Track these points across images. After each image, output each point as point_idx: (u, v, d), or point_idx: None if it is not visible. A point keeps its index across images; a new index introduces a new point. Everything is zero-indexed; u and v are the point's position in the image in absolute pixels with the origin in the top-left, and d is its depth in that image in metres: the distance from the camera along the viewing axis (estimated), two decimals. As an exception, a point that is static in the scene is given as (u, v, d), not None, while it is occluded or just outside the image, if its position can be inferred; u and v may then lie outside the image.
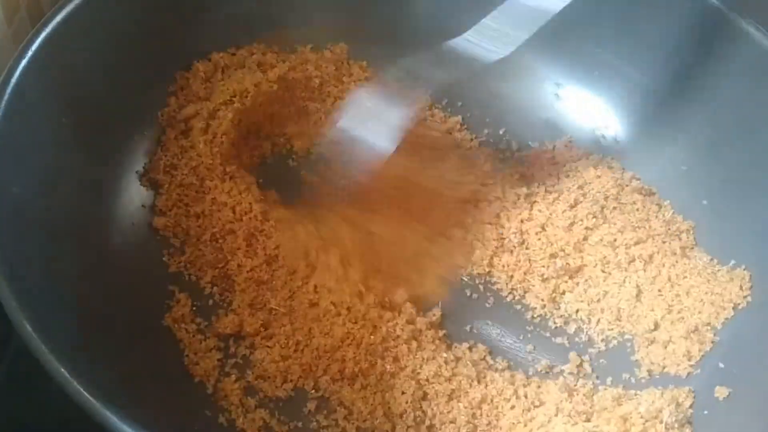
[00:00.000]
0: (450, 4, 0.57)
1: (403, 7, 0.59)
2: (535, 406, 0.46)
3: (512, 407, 0.46)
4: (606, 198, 0.54)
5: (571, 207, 0.53)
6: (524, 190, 0.54)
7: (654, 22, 0.54)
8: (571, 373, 0.49)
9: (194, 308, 0.48)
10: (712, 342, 0.48)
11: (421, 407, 0.45)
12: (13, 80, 0.42)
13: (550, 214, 0.53)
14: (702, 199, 0.54)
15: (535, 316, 0.51)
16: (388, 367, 0.46)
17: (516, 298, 0.52)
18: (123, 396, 0.35)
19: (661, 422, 0.44)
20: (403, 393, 0.45)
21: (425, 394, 0.46)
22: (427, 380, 0.46)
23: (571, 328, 0.51)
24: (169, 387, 0.44)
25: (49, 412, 0.45)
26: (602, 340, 0.50)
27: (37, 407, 0.46)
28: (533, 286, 0.51)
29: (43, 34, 0.44)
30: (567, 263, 0.51)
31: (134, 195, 0.50)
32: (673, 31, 0.51)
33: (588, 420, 0.45)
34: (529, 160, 0.57)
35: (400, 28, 0.58)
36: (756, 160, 0.51)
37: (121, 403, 0.34)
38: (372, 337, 0.47)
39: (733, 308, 0.49)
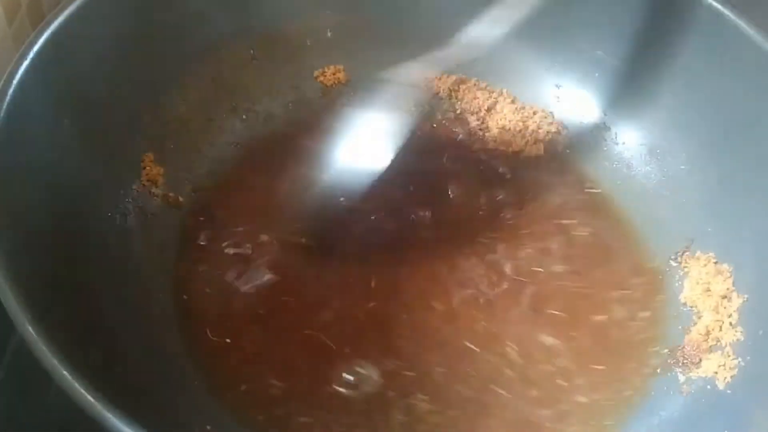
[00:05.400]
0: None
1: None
2: None
3: None
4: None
5: None
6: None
7: (654, 24, 0.54)
8: None
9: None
10: None
11: None
12: (15, 82, 0.42)
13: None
14: (701, 201, 0.54)
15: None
16: None
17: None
18: (124, 397, 0.35)
19: None
20: None
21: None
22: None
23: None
24: (170, 388, 0.44)
25: (49, 412, 0.45)
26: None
27: (37, 407, 0.46)
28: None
29: (44, 36, 0.44)
30: None
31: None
32: (674, 33, 0.51)
33: None
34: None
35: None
36: (755, 160, 0.51)
37: (122, 404, 0.34)
38: None
39: None
